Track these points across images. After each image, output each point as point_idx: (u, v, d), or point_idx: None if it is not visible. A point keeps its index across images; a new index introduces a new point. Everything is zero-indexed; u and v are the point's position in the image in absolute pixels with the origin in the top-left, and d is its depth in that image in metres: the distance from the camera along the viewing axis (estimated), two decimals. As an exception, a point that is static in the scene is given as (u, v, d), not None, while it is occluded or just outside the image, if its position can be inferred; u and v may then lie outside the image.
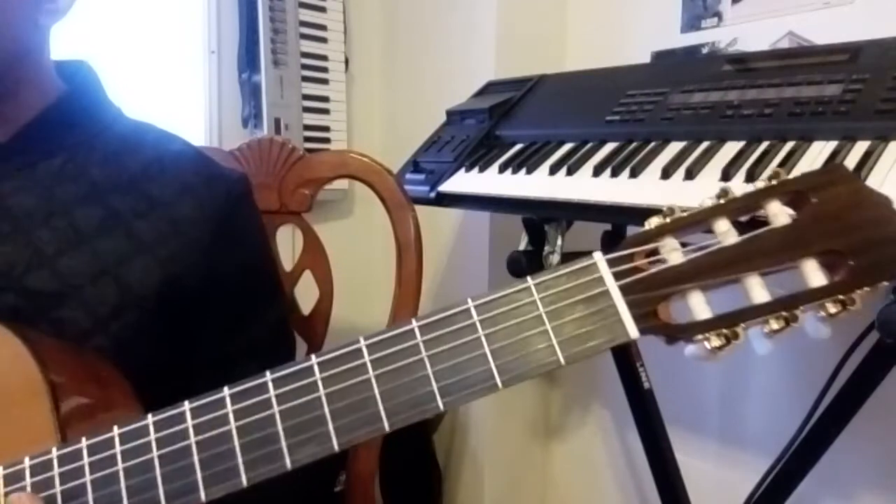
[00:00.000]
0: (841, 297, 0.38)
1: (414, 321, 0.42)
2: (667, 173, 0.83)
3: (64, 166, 0.65)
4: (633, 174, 0.86)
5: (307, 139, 1.53)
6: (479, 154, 1.09)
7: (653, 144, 0.91)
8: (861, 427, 0.86)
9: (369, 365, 0.41)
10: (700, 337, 0.39)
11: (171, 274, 0.63)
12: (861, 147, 0.74)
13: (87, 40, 1.24)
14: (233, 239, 0.67)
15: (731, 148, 0.84)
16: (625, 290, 0.40)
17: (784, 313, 0.39)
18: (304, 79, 1.53)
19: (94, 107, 0.69)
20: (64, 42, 0.70)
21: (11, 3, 0.60)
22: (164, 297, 0.62)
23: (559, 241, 1.04)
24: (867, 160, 0.71)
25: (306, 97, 1.53)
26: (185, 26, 1.44)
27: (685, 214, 0.41)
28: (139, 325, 0.61)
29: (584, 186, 0.89)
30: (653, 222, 0.42)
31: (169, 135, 0.72)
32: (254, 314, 0.69)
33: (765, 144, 0.82)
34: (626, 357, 1.13)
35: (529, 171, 0.98)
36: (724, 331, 0.39)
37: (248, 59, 1.47)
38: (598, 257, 0.41)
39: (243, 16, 1.46)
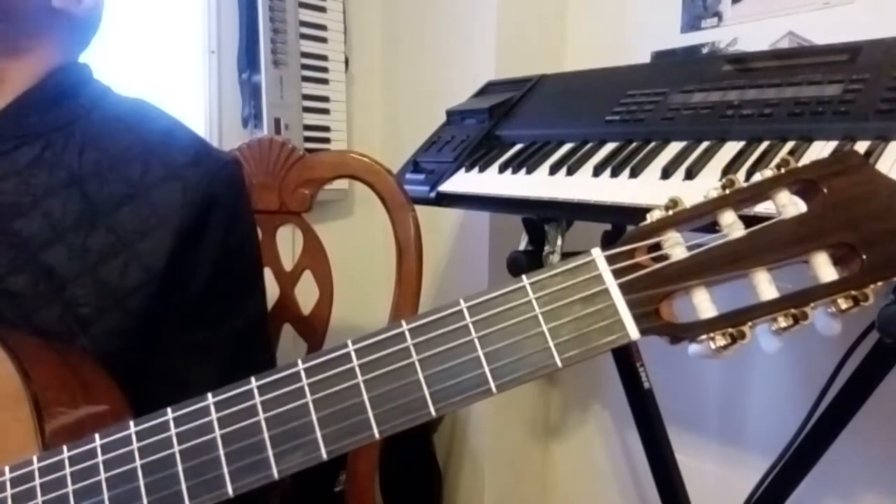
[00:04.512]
0: (853, 292, 0.36)
1: (404, 323, 0.40)
2: (667, 173, 0.83)
3: (42, 153, 0.61)
4: (633, 174, 0.86)
5: (307, 139, 1.53)
6: (479, 154, 1.08)
7: (653, 144, 0.91)
8: (861, 427, 0.86)
9: (357, 370, 0.40)
10: (704, 337, 0.37)
11: (152, 267, 0.60)
12: (861, 147, 0.74)
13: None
14: (218, 225, 0.64)
15: (731, 148, 0.84)
16: (624, 288, 0.38)
17: (793, 310, 0.36)
18: (304, 79, 1.53)
19: (77, 87, 0.66)
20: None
21: None
22: (144, 293, 0.60)
23: (559, 241, 1.04)
24: (867, 160, 0.71)
25: (306, 97, 1.53)
26: (185, 26, 1.44)
27: (688, 207, 0.39)
28: (121, 326, 0.59)
29: (584, 186, 0.89)
30: (654, 216, 0.40)
31: (156, 111, 0.69)
32: (234, 304, 0.67)
33: (765, 144, 0.82)
34: (626, 357, 1.13)
35: (529, 171, 0.98)
36: (730, 330, 0.37)
37: (248, 59, 1.47)
38: (597, 254, 0.39)
39: (243, 16, 1.46)
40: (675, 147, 0.89)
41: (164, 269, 0.61)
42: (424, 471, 1.55)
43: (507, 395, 1.51)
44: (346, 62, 1.63)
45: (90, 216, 0.60)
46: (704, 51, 1.24)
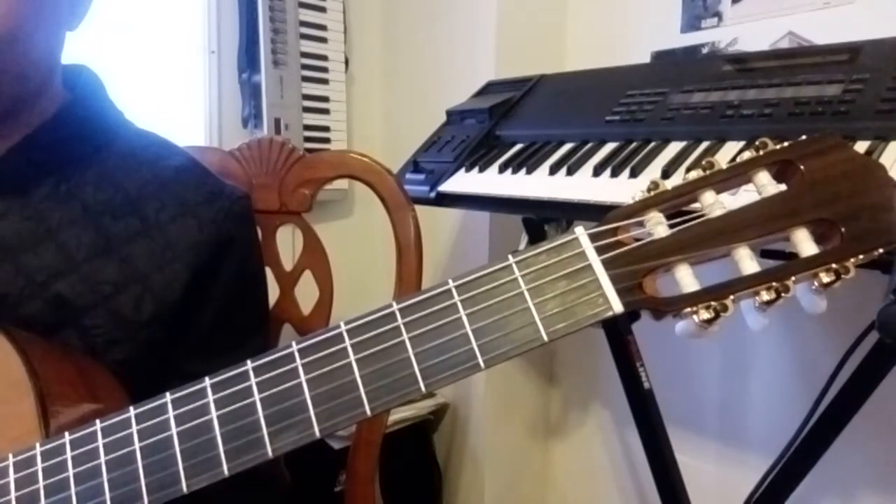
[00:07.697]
0: (834, 265, 0.37)
1: (395, 303, 0.41)
2: (667, 173, 0.83)
3: (57, 187, 0.62)
4: (633, 174, 0.86)
5: (307, 139, 1.53)
6: (479, 154, 1.08)
7: (653, 144, 0.91)
8: (861, 427, 0.86)
9: (350, 349, 0.40)
10: (688, 310, 0.38)
11: (166, 300, 0.61)
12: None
13: (87, 41, 1.24)
14: (232, 260, 0.65)
15: (731, 148, 0.84)
16: (608, 264, 0.39)
17: (775, 284, 0.37)
18: (304, 79, 1.53)
19: (92, 121, 0.67)
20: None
21: (45, 10, 0.58)
22: (157, 325, 0.61)
23: (559, 241, 1.04)
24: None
25: (306, 97, 1.53)
26: (185, 26, 1.44)
27: (670, 188, 0.40)
28: (131, 356, 0.60)
29: (584, 186, 0.89)
30: (637, 197, 0.41)
31: (171, 147, 0.70)
32: (242, 337, 0.67)
33: (765, 144, 0.82)
34: (626, 357, 1.12)
35: (529, 171, 0.98)
36: (713, 303, 0.37)
37: (248, 59, 1.47)
38: (580, 232, 0.40)
39: (243, 16, 1.47)
40: (675, 147, 0.89)
41: (177, 302, 0.62)
42: (424, 471, 1.55)
43: (507, 394, 1.51)
44: (346, 62, 1.63)
45: (104, 248, 0.61)
46: (704, 51, 1.24)
